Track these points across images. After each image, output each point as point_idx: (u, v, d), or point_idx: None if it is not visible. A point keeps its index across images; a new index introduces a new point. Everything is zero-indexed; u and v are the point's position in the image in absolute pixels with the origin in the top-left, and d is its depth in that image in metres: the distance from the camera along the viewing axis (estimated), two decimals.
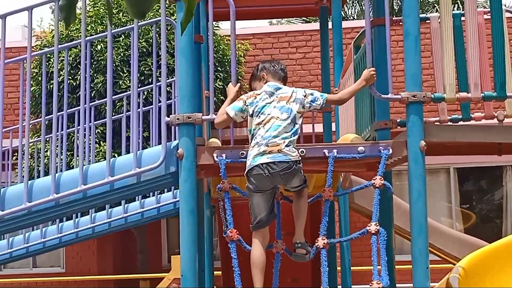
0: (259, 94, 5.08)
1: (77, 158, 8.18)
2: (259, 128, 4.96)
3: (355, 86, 5.16)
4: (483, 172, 13.38)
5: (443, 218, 12.98)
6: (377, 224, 4.78)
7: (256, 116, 5.01)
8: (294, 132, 5.00)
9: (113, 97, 7.23)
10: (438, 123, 5.85)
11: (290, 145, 4.93)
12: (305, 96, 5.08)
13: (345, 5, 20.88)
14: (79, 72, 10.13)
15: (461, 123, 5.95)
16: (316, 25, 12.92)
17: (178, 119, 5.02)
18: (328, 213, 5.00)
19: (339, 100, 5.31)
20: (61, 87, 9.51)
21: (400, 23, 5.35)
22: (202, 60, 6.25)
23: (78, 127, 7.70)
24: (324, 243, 4.89)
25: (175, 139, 6.81)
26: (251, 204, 4.97)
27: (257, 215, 4.92)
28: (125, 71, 10.26)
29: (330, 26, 8.65)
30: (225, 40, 12.49)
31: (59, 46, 5.61)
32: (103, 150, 10.18)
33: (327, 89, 8.39)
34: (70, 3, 1.28)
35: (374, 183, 4.86)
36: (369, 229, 4.78)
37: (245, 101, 5.07)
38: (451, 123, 5.91)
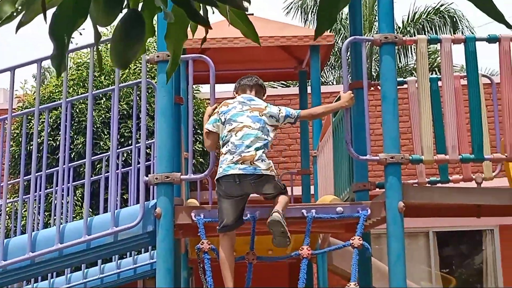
0: (231, 103, 5.21)
1: (55, 218, 8.14)
2: (231, 136, 5.06)
3: (334, 105, 5.34)
4: (463, 236, 13.38)
5: (423, 282, 12.93)
6: (356, 284, 4.77)
7: (228, 123, 5.11)
8: (266, 144, 5.09)
9: (92, 158, 7.22)
10: (416, 185, 5.89)
11: (262, 158, 5.02)
12: (279, 111, 5.21)
13: (324, 70, 21.10)
14: (59, 133, 10.14)
15: (439, 185, 5.99)
16: (295, 89, 13.03)
17: (156, 178, 5.02)
18: (306, 271, 4.97)
19: (313, 114, 5.47)
20: (41, 148, 9.51)
21: (378, 87, 5.42)
22: (181, 122, 6.29)
23: (56, 188, 7.69)
24: None
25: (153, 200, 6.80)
26: (220, 208, 5.04)
27: (224, 219, 4.99)
28: (106, 133, 10.26)
29: (309, 90, 8.76)
30: (205, 103, 12.55)
31: (40, 107, 5.63)
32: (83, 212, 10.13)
33: (306, 152, 8.45)
34: (61, 52, 1.30)
35: (352, 243, 4.86)
36: None
37: (218, 111, 5.20)
38: (429, 185, 5.96)
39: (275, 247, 4.96)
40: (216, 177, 5.06)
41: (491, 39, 5.23)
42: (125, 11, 1.34)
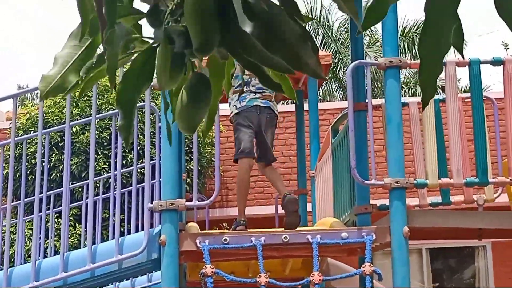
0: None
1: (51, 240, 8.06)
2: (251, 79, 6.16)
3: None
4: (456, 252, 13.42)
5: None
6: None
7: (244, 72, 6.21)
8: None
9: (87, 181, 7.17)
10: (418, 208, 5.87)
11: (275, 103, 6.33)
12: None
13: None
14: (53, 154, 10.07)
15: (441, 207, 5.98)
16: (289, 107, 13.03)
17: (161, 205, 4.97)
18: None
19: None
20: (34, 169, 9.45)
21: (380, 109, 5.41)
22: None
23: (54, 210, 7.64)
24: None
25: (151, 223, 6.75)
26: (238, 137, 6.10)
27: (242, 146, 6.04)
28: (100, 153, 10.20)
29: (306, 107, 8.75)
30: None
31: (43, 131, 5.58)
32: (77, 233, 10.05)
33: (303, 171, 8.42)
34: (129, 120, 1.28)
35: (364, 270, 4.83)
36: None
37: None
38: (431, 208, 5.94)
39: (287, 227, 5.41)
40: (238, 111, 6.13)
41: (496, 62, 5.23)
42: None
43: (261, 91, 6.13)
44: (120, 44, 1.21)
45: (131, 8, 1.30)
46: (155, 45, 1.26)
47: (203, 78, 1.27)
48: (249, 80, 6.12)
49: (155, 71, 1.27)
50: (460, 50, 1.29)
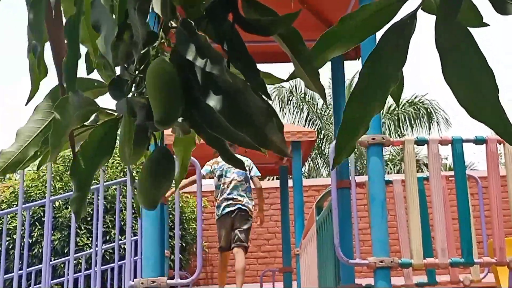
0: (220, 161, 7.73)
1: None
2: (225, 187, 7.83)
3: (261, 206, 8.35)
4: None
5: None
6: None
7: (222, 178, 7.86)
8: (249, 190, 7.94)
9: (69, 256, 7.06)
10: None
11: (249, 202, 7.87)
12: (252, 167, 8.11)
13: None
14: (35, 229, 9.96)
15: (426, 287, 5.91)
16: (274, 183, 13.01)
17: (142, 283, 4.89)
18: None
19: (259, 192, 8.23)
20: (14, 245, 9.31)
21: (364, 186, 5.38)
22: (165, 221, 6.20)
23: (35, 287, 7.51)
24: None
25: None
26: (218, 235, 7.92)
27: (220, 243, 7.88)
28: (83, 228, 10.09)
29: (290, 183, 8.72)
30: (183, 197, 12.48)
31: (23, 206, 5.52)
32: None
33: (288, 249, 8.37)
34: (82, 194, 1.24)
35: None
36: None
37: (211, 166, 7.90)
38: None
39: None
40: (218, 217, 7.85)
41: (478, 141, 5.23)
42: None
43: (231, 196, 7.76)
44: (75, 115, 1.17)
45: (92, 80, 1.28)
46: (117, 117, 1.23)
47: (166, 154, 1.23)
48: (222, 188, 7.81)
49: (116, 144, 1.24)
50: (397, 100, 1.26)
